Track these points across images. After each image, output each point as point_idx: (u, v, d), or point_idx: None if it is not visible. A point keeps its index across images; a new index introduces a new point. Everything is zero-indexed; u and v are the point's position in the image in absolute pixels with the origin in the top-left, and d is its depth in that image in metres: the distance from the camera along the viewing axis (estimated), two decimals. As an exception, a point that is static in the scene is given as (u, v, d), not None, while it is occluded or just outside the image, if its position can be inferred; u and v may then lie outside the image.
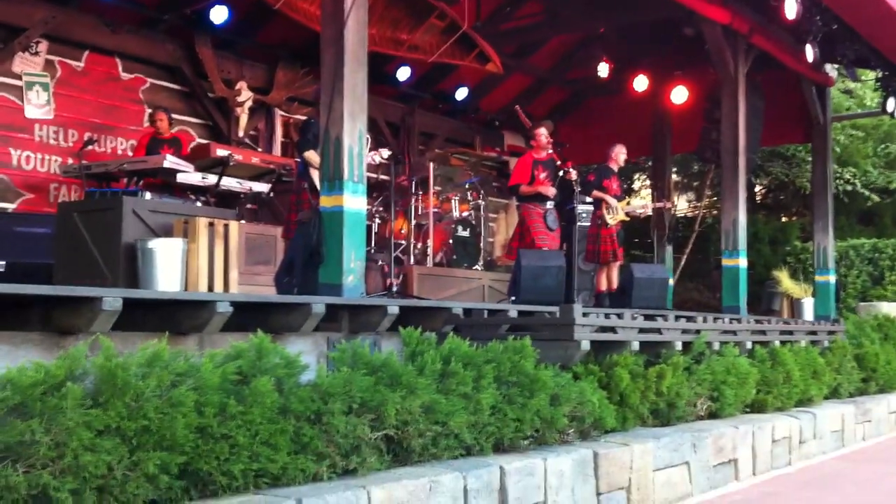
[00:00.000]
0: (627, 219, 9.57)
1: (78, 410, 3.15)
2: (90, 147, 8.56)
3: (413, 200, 9.66)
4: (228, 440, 3.55)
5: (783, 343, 8.61)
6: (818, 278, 12.49)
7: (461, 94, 12.89)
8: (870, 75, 12.63)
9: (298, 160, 7.37)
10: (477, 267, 10.14)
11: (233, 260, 6.02)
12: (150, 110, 9.41)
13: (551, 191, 8.60)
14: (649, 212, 11.25)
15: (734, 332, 7.95)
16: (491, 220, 11.87)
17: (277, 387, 3.88)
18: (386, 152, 7.54)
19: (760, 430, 6.96)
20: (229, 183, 8.09)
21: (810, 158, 13.53)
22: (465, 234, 10.11)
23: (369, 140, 6.70)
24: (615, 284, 9.30)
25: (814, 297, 12.52)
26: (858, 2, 9.39)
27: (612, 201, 9.26)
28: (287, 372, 4.01)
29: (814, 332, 9.60)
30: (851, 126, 16.52)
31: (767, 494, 6.20)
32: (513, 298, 7.61)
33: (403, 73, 11.70)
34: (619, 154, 9.50)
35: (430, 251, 9.64)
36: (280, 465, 3.72)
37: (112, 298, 4.06)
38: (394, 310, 5.54)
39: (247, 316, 4.82)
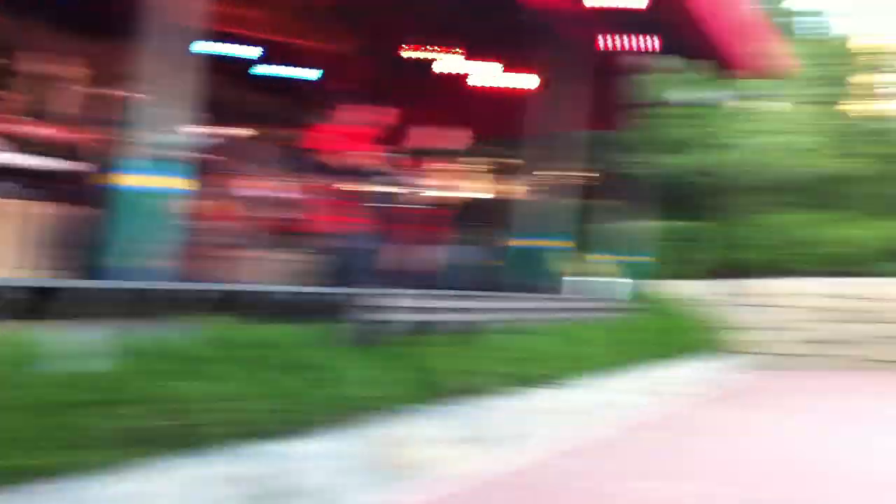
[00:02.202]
0: (439, 202, 9.75)
1: None
2: None
3: (227, 181, 9.45)
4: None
5: (583, 320, 9.04)
6: (627, 259, 13.16)
7: (289, 72, 12.70)
8: (691, 64, 13.21)
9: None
10: (288, 248, 10.03)
11: (9, 241, 5.73)
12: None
13: (351, 164, 8.67)
14: (460, 195, 11.49)
15: (535, 310, 8.29)
16: (305, 200, 11.75)
17: (27, 377, 3.73)
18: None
19: (546, 403, 7.20)
20: (15, 160, 7.64)
21: (630, 144, 14.16)
22: (281, 215, 9.98)
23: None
24: (425, 266, 9.46)
25: (622, 276, 13.18)
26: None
27: (424, 183, 9.41)
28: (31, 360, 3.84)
29: (616, 310, 10.12)
30: (672, 114, 17.30)
31: (548, 466, 6.38)
32: (321, 280, 7.64)
33: (232, 50, 11.41)
34: (432, 136, 9.66)
35: (240, 233, 9.46)
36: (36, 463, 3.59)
37: None
38: (192, 295, 5.45)
39: (33, 301, 4.62)
